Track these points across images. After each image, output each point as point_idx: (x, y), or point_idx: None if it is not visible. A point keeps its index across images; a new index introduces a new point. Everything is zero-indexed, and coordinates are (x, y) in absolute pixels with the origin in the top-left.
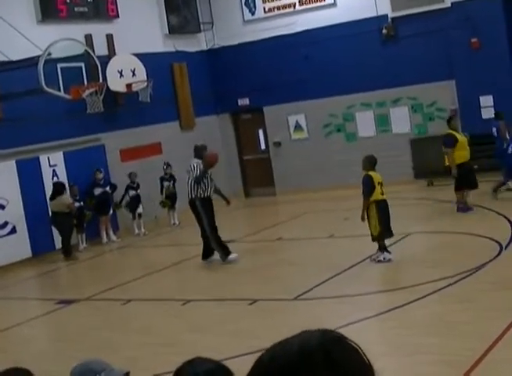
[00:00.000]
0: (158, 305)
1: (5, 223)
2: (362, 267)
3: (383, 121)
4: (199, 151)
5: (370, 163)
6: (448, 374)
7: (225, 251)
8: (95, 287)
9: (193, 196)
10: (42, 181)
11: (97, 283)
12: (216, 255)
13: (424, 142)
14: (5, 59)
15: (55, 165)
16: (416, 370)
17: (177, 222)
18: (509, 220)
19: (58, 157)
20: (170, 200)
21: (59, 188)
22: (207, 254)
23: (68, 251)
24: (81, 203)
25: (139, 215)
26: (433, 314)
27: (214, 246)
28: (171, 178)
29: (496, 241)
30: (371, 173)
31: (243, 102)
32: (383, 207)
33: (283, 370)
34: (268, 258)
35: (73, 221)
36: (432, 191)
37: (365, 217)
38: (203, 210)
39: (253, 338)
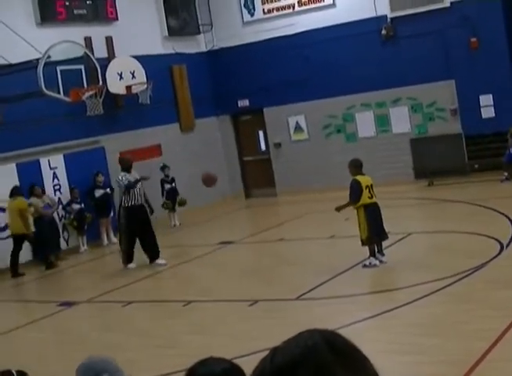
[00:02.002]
0: (159, 306)
1: (6, 226)
2: (363, 267)
3: (383, 122)
4: (125, 164)
5: (356, 167)
6: (448, 374)
7: (128, 259)
8: (96, 289)
9: (120, 204)
10: (43, 183)
11: (98, 285)
12: (160, 260)
13: (424, 142)
14: (5, 62)
15: (55, 168)
16: (416, 369)
17: (177, 224)
18: (509, 219)
19: (58, 160)
20: (171, 202)
21: (28, 191)
22: (152, 256)
23: (46, 258)
24: (82, 205)
25: None
26: (433, 314)
27: (121, 249)
28: (173, 180)
29: (497, 240)
30: (358, 177)
31: (243, 103)
32: (371, 211)
33: (292, 363)
34: (269, 259)
35: (49, 227)
36: (433, 191)
37: (340, 210)
38: (124, 218)
39: (254, 338)
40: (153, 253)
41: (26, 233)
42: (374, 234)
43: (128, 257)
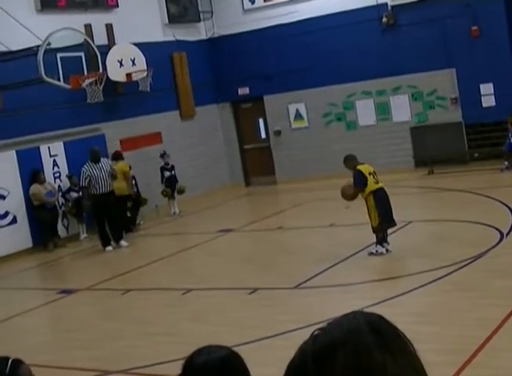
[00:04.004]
0: (158, 294)
1: (6, 213)
2: (362, 255)
3: (383, 110)
4: (93, 156)
5: (352, 160)
6: (448, 362)
7: (104, 243)
8: (96, 276)
9: (89, 192)
10: (43, 171)
11: (97, 273)
12: (124, 241)
13: (425, 131)
14: (5, 49)
15: (55, 155)
16: None
17: (177, 211)
18: (510, 208)
19: (58, 147)
20: (170, 190)
21: (30, 177)
22: (116, 238)
23: (45, 243)
24: (80, 193)
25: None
26: (433, 302)
27: (98, 235)
28: (172, 168)
29: (497, 229)
30: (359, 167)
31: (243, 91)
32: (380, 197)
33: (332, 344)
34: (268, 247)
35: (50, 214)
36: (433, 179)
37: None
38: (92, 205)
39: (253, 327)
40: (115, 235)
41: (130, 194)
42: (385, 221)
43: (103, 241)
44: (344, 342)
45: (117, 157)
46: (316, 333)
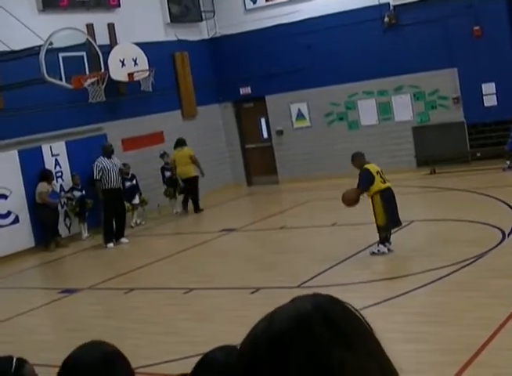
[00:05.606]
0: (160, 293)
1: (8, 213)
2: (364, 255)
3: (385, 110)
4: (106, 151)
5: (360, 157)
6: (449, 362)
7: (107, 239)
8: (98, 276)
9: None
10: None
11: (100, 273)
12: (124, 239)
13: (427, 131)
14: (7, 48)
15: (57, 155)
16: (418, 358)
17: (179, 211)
18: (511, 207)
19: (60, 147)
20: (173, 189)
21: (40, 175)
22: (117, 236)
23: (47, 243)
24: (83, 192)
25: (135, 205)
26: (435, 302)
27: (102, 229)
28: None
29: (499, 229)
30: (366, 166)
31: (245, 90)
32: (387, 197)
33: (282, 337)
34: (271, 247)
35: (51, 214)
36: (434, 179)
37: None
38: (103, 199)
39: None
40: (118, 233)
41: (197, 176)
42: (391, 221)
43: (107, 236)
44: (293, 334)
45: (182, 143)
46: (267, 319)
